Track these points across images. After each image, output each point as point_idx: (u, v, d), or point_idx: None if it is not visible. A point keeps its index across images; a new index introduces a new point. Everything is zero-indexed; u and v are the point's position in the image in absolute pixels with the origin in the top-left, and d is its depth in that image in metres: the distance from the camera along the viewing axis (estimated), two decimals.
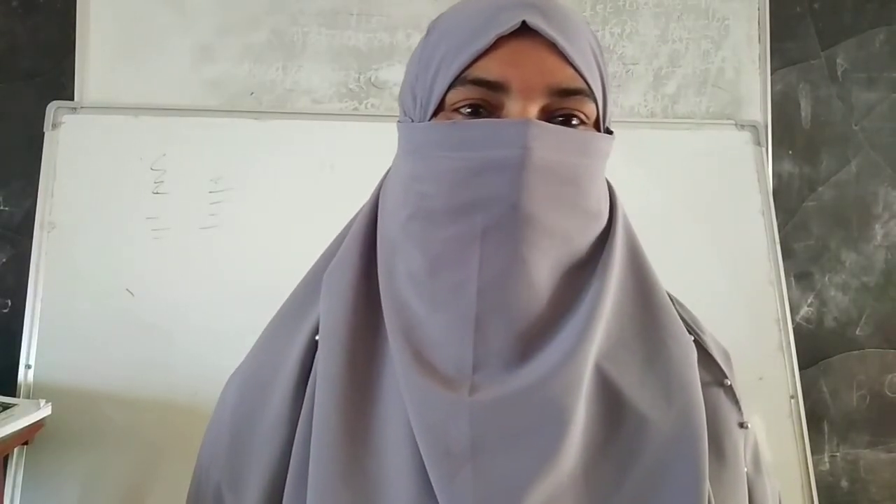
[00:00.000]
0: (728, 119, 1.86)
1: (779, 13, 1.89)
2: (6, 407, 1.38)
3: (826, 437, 1.91)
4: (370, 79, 1.77)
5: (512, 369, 0.51)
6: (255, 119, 1.70)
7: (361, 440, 0.52)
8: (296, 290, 0.62)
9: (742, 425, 0.58)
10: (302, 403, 0.55)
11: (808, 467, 1.68)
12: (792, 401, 1.70)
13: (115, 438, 1.51)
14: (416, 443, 0.50)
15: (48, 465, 1.49)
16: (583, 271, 0.54)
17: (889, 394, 1.94)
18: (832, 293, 1.94)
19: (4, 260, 1.68)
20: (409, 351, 0.52)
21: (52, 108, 1.64)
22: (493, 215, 0.50)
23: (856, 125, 1.95)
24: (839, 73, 1.94)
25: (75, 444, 1.50)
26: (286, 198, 1.65)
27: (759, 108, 1.88)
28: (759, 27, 1.89)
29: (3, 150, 1.69)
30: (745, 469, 0.58)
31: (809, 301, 1.93)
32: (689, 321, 0.61)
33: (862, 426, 1.92)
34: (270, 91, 1.74)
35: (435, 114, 0.54)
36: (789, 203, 1.91)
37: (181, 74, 1.71)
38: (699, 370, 0.56)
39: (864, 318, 1.94)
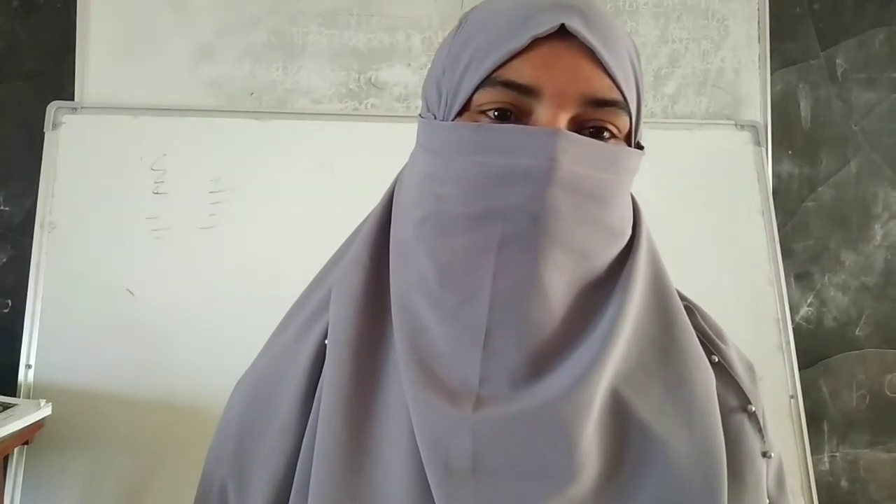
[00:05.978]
0: (728, 119, 1.86)
1: (778, 13, 1.89)
2: (6, 407, 1.38)
3: (826, 436, 1.91)
4: (370, 79, 1.77)
5: (520, 387, 0.49)
6: (256, 119, 1.70)
7: (365, 448, 0.51)
8: (304, 292, 0.61)
9: (765, 455, 0.55)
10: (310, 411, 0.54)
11: (807, 467, 1.68)
12: (791, 401, 1.70)
13: (115, 438, 1.52)
14: (419, 454, 0.48)
15: (48, 465, 1.49)
16: (601, 290, 0.51)
17: (888, 393, 1.94)
18: (832, 293, 1.94)
19: (5, 260, 1.68)
20: (414, 359, 0.50)
21: (53, 108, 1.64)
22: (512, 226, 0.48)
23: (855, 125, 1.95)
24: (839, 73, 1.94)
25: (75, 443, 1.50)
26: (286, 198, 1.65)
27: (758, 108, 1.88)
28: (758, 27, 1.89)
29: (3, 150, 1.69)
30: (767, 500, 0.55)
31: (809, 301, 1.93)
32: (713, 333, 0.58)
33: (861, 426, 1.92)
34: (270, 91, 1.74)
35: (460, 113, 0.51)
36: (789, 203, 1.91)
37: (181, 74, 1.71)
38: (723, 394, 0.54)
39: (863, 318, 1.94)
